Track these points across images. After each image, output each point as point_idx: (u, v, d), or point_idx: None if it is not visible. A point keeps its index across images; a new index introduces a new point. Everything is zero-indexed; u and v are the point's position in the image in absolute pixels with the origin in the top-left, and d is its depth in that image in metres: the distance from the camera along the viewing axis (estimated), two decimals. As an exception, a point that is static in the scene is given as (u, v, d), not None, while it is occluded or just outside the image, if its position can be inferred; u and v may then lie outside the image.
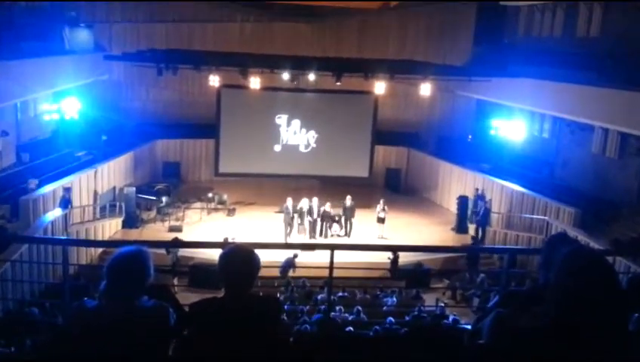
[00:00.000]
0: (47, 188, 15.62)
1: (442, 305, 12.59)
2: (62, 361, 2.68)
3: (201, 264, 14.97)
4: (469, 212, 19.81)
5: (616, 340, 2.02)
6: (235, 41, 23.53)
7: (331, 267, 4.76)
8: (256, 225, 18.75)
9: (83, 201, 17.31)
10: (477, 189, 20.18)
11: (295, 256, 14.83)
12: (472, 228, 19.37)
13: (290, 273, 14.90)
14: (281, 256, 14.22)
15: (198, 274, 14.32)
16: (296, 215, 18.22)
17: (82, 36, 21.64)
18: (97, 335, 2.52)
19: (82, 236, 16.32)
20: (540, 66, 19.79)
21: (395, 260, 15.80)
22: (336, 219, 18.77)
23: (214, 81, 20.59)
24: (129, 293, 2.60)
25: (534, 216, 18.08)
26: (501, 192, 19.67)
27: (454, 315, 11.52)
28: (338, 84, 19.53)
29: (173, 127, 23.29)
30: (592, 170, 18.86)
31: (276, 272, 13.59)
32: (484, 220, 18.97)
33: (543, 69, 19.46)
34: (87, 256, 16.11)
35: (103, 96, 22.44)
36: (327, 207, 18.54)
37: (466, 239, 18.90)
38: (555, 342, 2.03)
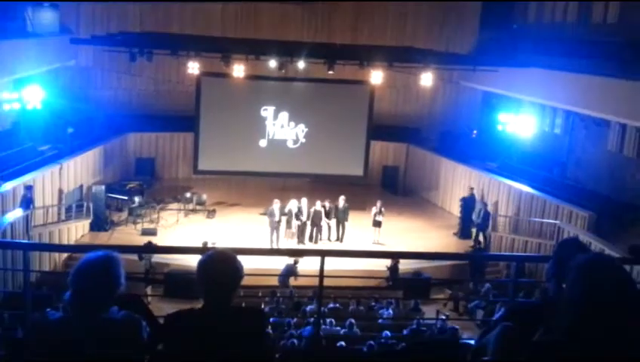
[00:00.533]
0: (7, 186, 15.51)
1: (443, 317, 12.63)
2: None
3: (178, 271, 14.94)
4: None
5: (636, 354, 2.03)
6: (217, 24, 23.45)
7: (321, 275, 4.76)
8: (238, 229, 18.72)
9: (46, 201, 17.19)
10: (472, 188, 20.26)
11: (296, 262, 14.82)
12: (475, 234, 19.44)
13: (292, 281, 14.88)
14: (267, 262, 14.16)
15: (174, 283, 14.30)
16: (284, 218, 18.18)
17: (46, 17, 21.46)
18: (61, 350, 2.50)
19: (45, 240, 16.21)
20: (552, 55, 19.85)
21: (394, 268, 15.81)
22: (327, 208, 18.58)
23: (193, 68, 20.53)
24: (97, 304, 2.59)
25: (545, 220, 18.16)
26: (509, 193, 19.76)
27: (452, 326, 11.60)
28: (330, 72, 19.56)
29: (147, 119, 23.16)
30: (608, 170, 18.96)
31: (261, 281, 13.53)
32: (482, 224, 19.08)
33: (556, 58, 19.52)
34: (50, 261, 16.01)
35: (70, 84, 22.28)
36: (318, 205, 18.49)
37: (470, 245, 18.99)
38: (571, 358, 2.04)
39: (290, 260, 14.98)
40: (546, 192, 18.80)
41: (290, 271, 14.65)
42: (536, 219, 18.46)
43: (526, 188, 19.28)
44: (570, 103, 19.03)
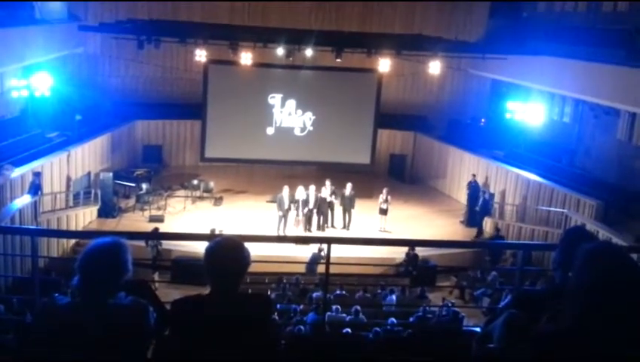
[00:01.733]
0: (15, 173, 15.58)
1: (449, 304, 12.64)
2: (30, 363, 2.68)
3: (185, 258, 15.01)
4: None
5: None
6: (225, 11, 23.37)
7: (328, 262, 4.77)
8: (245, 216, 18.75)
9: (54, 187, 17.27)
10: (473, 175, 20.19)
11: (320, 250, 14.83)
12: (484, 222, 19.41)
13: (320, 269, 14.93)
14: (273, 250, 14.22)
15: (181, 269, 14.37)
16: (292, 205, 18.18)
17: (55, 4, 21.44)
18: (69, 335, 2.52)
19: (53, 226, 16.29)
20: (561, 43, 19.70)
21: (415, 257, 15.78)
22: (333, 191, 18.62)
23: (201, 56, 20.50)
24: (104, 289, 2.60)
25: (552, 209, 18.12)
26: (516, 182, 19.71)
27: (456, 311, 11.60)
28: (338, 60, 19.46)
29: (154, 107, 23.19)
30: (617, 159, 18.87)
31: (268, 268, 13.56)
32: (482, 212, 19.04)
33: (565, 47, 19.38)
34: (58, 247, 16.11)
35: (78, 71, 22.30)
36: (324, 192, 18.52)
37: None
38: (577, 346, 2.04)
39: (315, 249, 15.01)
40: (554, 181, 18.75)
41: (317, 259, 14.65)
42: (544, 208, 18.42)
43: (534, 177, 19.23)
44: (579, 92, 18.92)
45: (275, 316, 10.31)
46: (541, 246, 14.21)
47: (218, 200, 20.27)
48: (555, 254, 3.03)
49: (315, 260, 14.75)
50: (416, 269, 15.86)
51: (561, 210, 17.68)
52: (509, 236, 18.73)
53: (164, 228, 16.77)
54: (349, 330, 8.88)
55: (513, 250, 16.65)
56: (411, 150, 24.83)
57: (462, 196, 21.06)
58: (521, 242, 16.85)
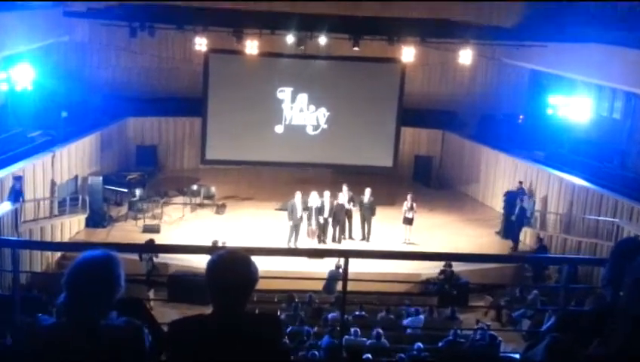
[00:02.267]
0: (-7, 177, 15.74)
1: (484, 327, 12.59)
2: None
3: (183, 273, 15.06)
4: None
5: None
6: (228, -6, 23.51)
7: (345, 279, 4.76)
8: (252, 226, 18.80)
9: (37, 193, 17.40)
10: (520, 183, 20.10)
11: (338, 267, 14.81)
12: (523, 233, 19.32)
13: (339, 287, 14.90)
14: (284, 264, 14.20)
15: (180, 286, 14.43)
16: (305, 214, 18.18)
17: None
18: (54, 359, 2.54)
19: (36, 237, 16.42)
20: (609, 29, 19.60)
21: (452, 274, 15.71)
22: (351, 198, 18.62)
23: (201, 44, 20.62)
24: (94, 309, 2.61)
25: (601, 218, 18.00)
26: (560, 187, 19.61)
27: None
28: (356, 49, 19.54)
29: (149, 102, 23.32)
30: (675, 161, 18.75)
31: (278, 285, 13.58)
32: (518, 222, 18.96)
33: (614, 33, 19.27)
34: (42, 261, 16.23)
35: (63, 62, 22.47)
36: (340, 198, 18.49)
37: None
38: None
39: (332, 264, 14.99)
40: (603, 186, 18.61)
41: (336, 277, 14.62)
42: (592, 217, 18.30)
43: (580, 181, 19.11)
44: (631, 84, 18.79)
45: (286, 339, 10.32)
46: (589, 261, 14.13)
47: (221, 208, 20.34)
48: (605, 270, 3.02)
49: (334, 277, 14.72)
50: (455, 288, 15.79)
51: (612, 219, 17.56)
52: (552, 249, 18.64)
53: (159, 239, 16.84)
54: (370, 356, 8.88)
55: (557, 265, 16.52)
56: (439, 151, 24.79)
57: (497, 203, 20.99)
58: (566, 256, 16.73)
